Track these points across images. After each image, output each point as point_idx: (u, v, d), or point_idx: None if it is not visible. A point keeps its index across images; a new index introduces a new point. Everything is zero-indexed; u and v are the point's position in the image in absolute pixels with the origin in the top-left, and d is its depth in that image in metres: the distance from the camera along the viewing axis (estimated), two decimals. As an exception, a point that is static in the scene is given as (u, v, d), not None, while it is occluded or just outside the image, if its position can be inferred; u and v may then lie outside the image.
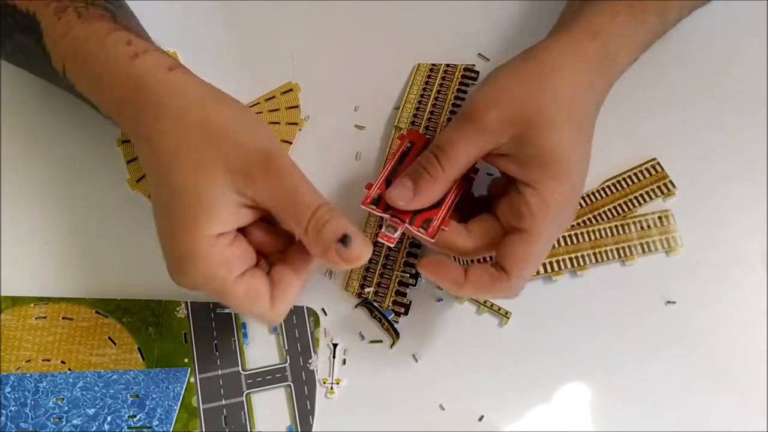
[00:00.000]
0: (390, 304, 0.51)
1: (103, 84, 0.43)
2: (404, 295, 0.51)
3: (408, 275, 0.52)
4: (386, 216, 0.45)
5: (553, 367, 0.50)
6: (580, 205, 0.53)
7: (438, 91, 0.56)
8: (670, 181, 0.53)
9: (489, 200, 0.47)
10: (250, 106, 0.56)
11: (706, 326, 0.50)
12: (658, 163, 0.54)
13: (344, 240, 0.40)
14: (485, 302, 0.51)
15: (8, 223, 0.54)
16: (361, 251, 0.41)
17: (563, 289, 0.51)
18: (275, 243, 0.44)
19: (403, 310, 0.51)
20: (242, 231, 0.43)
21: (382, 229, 0.45)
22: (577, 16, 0.47)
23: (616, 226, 0.52)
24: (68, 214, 0.54)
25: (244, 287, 0.41)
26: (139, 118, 0.42)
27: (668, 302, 0.51)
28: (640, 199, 0.53)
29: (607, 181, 0.53)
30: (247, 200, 0.41)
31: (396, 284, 0.52)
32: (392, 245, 0.45)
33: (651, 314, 0.50)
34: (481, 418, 0.48)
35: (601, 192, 0.53)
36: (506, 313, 0.51)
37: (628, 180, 0.53)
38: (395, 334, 0.50)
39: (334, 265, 0.41)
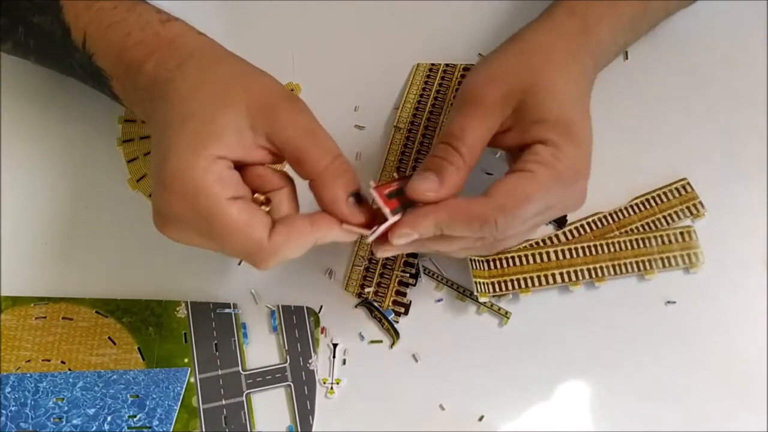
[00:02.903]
0: (390, 304, 0.51)
1: (129, 43, 0.44)
2: (404, 295, 0.51)
3: (408, 275, 0.52)
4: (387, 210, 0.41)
5: (553, 367, 0.50)
6: (608, 221, 0.52)
7: (437, 91, 0.56)
8: (700, 202, 0.52)
9: None
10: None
11: (706, 326, 0.50)
12: (688, 183, 0.53)
13: (357, 196, 0.41)
14: (485, 302, 0.51)
15: (8, 223, 0.54)
16: (363, 217, 0.42)
17: (562, 289, 0.51)
18: (271, 181, 0.43)
19: (403, 310, 0.51)
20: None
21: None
22: (556, 1, 0.48)
23: (636, 240, 0.51)
24: (68, 214, 0.54)
25: (237, 208, 0.39)
26: (162, 65, 0.43)
27: (668, 302, 0.51)
28: (668, 218, 0.52)
29: (635, 198, 0.53)
30: (260, 139, 0.41)
31: (396, 284, 0.52)
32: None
33: (651, 314, 0.50)
34: (481, 418, 0.48)
35: (630, 210, 0.52)
36: (506, 313, 0.51)
37: (657, 199, 0.53)
38: (395, 334, 0.50)
39: (336, 216, 0.41)
